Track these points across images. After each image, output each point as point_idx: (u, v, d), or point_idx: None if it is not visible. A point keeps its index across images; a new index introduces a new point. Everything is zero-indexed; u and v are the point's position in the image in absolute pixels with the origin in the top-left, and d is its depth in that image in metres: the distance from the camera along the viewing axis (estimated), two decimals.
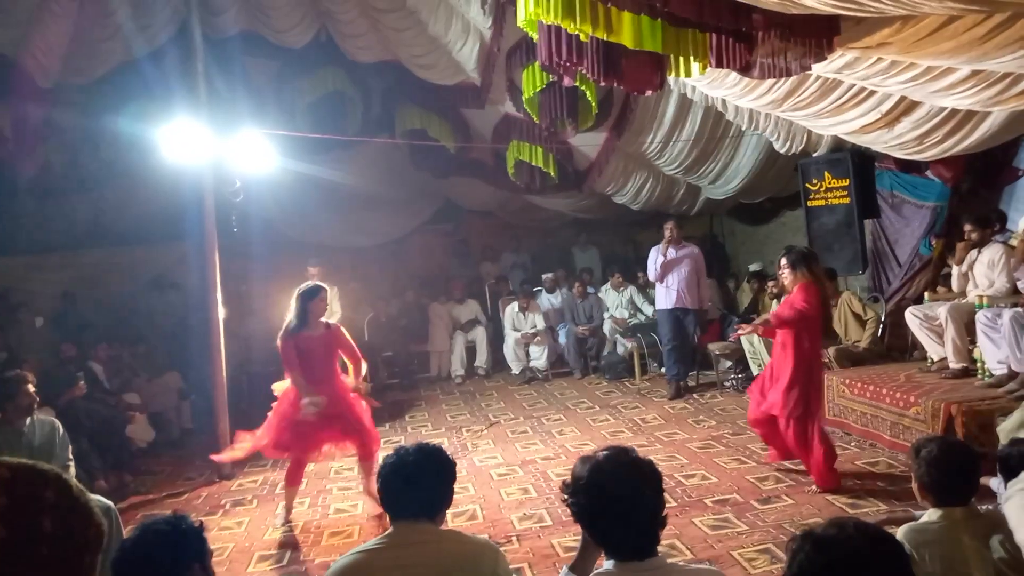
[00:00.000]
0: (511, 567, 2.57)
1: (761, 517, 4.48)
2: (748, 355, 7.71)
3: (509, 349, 9.61)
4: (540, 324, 9.63)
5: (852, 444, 5.76)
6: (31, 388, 4.37)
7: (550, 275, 10.43)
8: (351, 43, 7.73)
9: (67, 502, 1.04)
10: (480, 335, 10.01)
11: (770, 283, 8.33)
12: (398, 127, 8.97)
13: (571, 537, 4.37)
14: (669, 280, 7.90)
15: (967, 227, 5.89)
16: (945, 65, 3.82)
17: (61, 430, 4.45)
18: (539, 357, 9.50)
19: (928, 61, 3.77)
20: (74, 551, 1.03)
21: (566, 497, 1.98)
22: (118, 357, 7.88)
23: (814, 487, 4.85)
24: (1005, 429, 4.29)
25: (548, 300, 10.14)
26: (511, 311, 9.80)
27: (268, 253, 9.31)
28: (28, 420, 4.33)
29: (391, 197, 10.48)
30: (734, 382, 7.95)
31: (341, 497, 5.62)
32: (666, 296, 7.98)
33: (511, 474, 5.82)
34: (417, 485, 2.25)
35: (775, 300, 8.09)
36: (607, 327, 9.52)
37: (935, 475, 2.41)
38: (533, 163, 8.11)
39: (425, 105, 8.54)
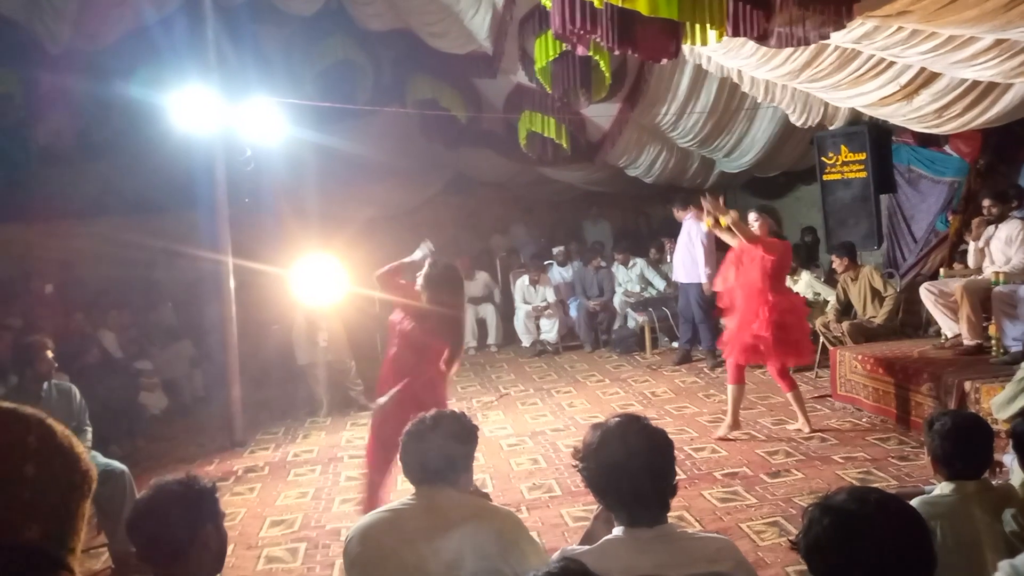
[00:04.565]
0: None
1: (770, 490, 4.48)
2: None
3: (520, 322, 9.61)
4: (551, 297, 9.62)
5: (863, 420, 5.75)
6: (50, 354, 4.39)
7: (561, 248, 10.40)
8: (362, 10, 7.65)
9: (50, 447, 1.02)
10: (490, 312, 10.02)
11: None
12: (409, 97, 8.89)
13: (580, 507, 4.40)
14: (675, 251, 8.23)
15: (986, 202, 5.81)
16: (967, 34, 3.73)
17: (78, 395, 4.48)
18: (550, 330, 9.50)
19: (950, 30, 3.69)
20: (58, 497, 1.01)
21: (577, 463, 1.98)
22: (131, 325, 7.94)
23: None
24: (996, 403, 4.29)
25: (559, 273, 10.12)
26: (522, 284, 9.79)
27: (278, 223, 9.29)
28: (45, 385, 4.37)
29: (402, 168, 10.42)
30: None
31: (351, 465, 5.66)
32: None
33: (521, 445, 5.85)
34: (434, 450, 2.24)
35: (789, 276, 8.03)
36: (618, 301, 9.50)
37: (948, 448, 2.39)
38: (545, 134, 8.03)
39: (436, 74, 8.45)
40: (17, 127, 7.47)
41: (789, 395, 5.65)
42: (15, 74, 6.96)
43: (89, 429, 4.47)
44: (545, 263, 10.23)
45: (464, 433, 2.33)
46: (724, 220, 5.53)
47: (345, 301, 6.70)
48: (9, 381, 4.78)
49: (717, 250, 8.30)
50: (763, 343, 5.41)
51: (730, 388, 5.66)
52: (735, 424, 5.61)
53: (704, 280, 7.91)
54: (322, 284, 6.22)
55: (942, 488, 2.42)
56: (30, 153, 8.42)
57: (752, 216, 5.68)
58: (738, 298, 5.58)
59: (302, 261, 6.26)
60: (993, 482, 2.50)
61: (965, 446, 2.39)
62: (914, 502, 2.30)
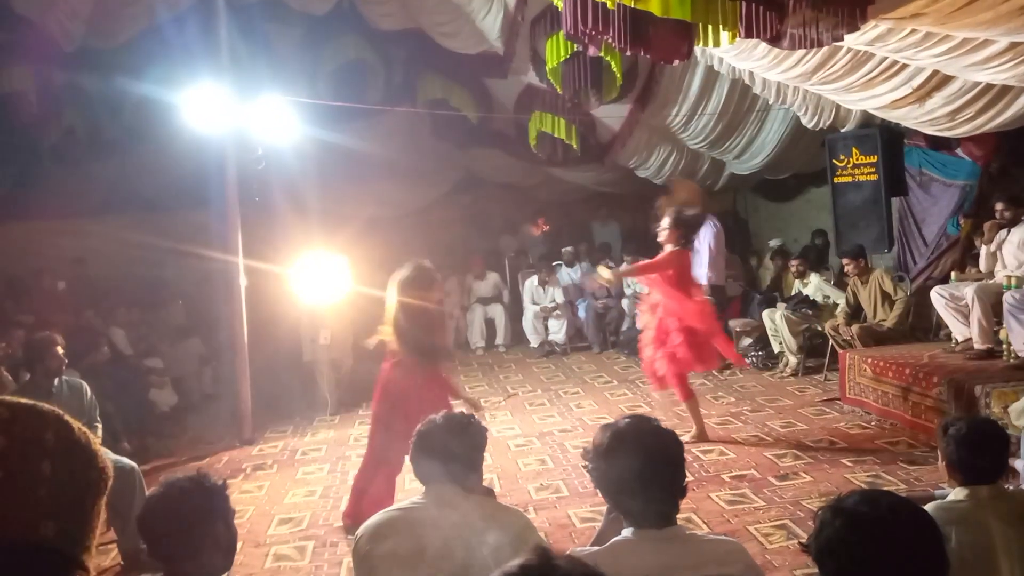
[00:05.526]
0: None
1: (778, 493, 4.47)
2: (769, 332, 7.65)
3: (528, 323, 9.62)
4: (559, 298, 9.62)
5: (872, 423, 5.72)
6: (60, 350, 4.42)
7: (570, 249, 10.38)
8: (374, 10, 7.66)
9: (67, 444, 1.01)
10: (499, 312, 10.02)
11: (793, 261, 8.24)
12: (420, 96, 8.91)
13: (587, 508, 4.40)
14: None
15: (999, 206, 5.77)
16: (982, 37, 3.71)
17: (89, 392, 4.50)
18: (558, 331, 9.50)
19: (964, 33, 3.66)
20: (75, 494, 1.01)
21: (586, 464, 1.98)
22: (140, 322, 7.97)
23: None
24: (1016, 409, 4.25)
25: (568, 274, 10.12)
26: (530, 285, 9.79)
27: (289, 222, 9.31)
28: (56, 381, 4.40)
29: (412, 168, 10.43)
30: (754, 359, 7.90)
31: (359, 463, 5.65)
32: None
33: (528, 445, 5.85)
34: (443, 450, 2.26)
35: (799, 279, 8.01)
36: (626, 302, 9.49)
37: (963, 453, 2.37)
38: (555, 135, 8.02)
39: (447, 74, 8.46)
40: (30, 125, 7.49)
41: (685, 405, 5.64)
42: (29, 72, 6.99)
43: (99, 425, 4.49)
44: (554, 264, 10.23)
45: (473, 433, 2.35)
46: (607, 279, 5.81)
47: (350, 300, 6.69)
48: (21, 377, 4.80)
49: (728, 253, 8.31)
50: (678, 350, 5.39)
51: (686, 405, 5.65)
52: (702, 435, 5.57)
53: (703, 281, 7.92)
54: (325, 282, 6.22)
55: (956, 494, 2.39)
56: (42, 151, 8.47)
57: (664, 222, 5.79)
58: (655, 317, 5.61)
59: (306, 259, 6.27)
60: (1007, 487, 2.48)
61: (980, 451, 2.37)
62: (928, 507, 2.28)
